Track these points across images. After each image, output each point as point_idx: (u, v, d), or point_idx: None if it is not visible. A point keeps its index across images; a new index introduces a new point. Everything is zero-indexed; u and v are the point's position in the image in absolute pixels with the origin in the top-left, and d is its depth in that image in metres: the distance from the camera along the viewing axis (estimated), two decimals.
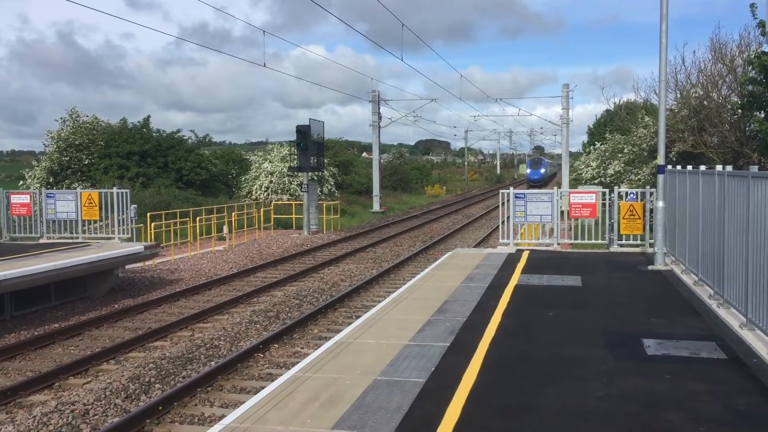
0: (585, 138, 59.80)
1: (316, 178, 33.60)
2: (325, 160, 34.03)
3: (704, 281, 10.60)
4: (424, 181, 70.54)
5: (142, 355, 10.95)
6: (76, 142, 34.57)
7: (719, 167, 9.56)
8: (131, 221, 18.23)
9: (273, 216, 30.00)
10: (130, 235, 18.19)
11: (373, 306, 11.46)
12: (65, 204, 18.35)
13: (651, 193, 15.56)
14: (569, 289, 11.15)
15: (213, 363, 10.29)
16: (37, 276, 12.91)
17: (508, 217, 16.57)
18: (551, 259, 14.46)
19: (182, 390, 8.82)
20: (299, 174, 31.51)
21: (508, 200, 16.52)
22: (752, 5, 17.47)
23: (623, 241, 15.89)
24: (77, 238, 18.19)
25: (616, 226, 15.76)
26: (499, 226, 18.03)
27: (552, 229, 17.01)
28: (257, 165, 40.14)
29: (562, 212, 16.65)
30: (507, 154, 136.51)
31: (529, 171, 76.01)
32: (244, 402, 6.35)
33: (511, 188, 16.79)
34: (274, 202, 33.55)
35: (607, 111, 43.34)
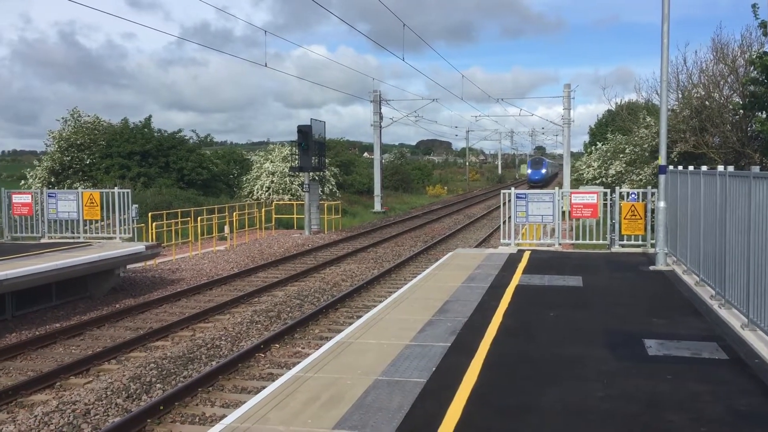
0: (586, 138, 59.76)
1: (317, 178, 33.61)
2: (327, 160, 34.03)
3: (705, 282, 10.59)
4: (426, 182, 70.56)
5: (143, 354, 10.96)
6: (78, 142, 34.60)
7: (721, 167, 9.55)
8: (132, 221, 18.24)
9: (274, 216, 30.01)
10: (131, 235, 18.20)
11: (375, 306, 11.46)
12: (67, 204, 18.36)
13: (652, 194, 15.54)
14: (570, 289, 11.14)
15: (214, 363, 10.29)
16: (38, 276, 12.92)
17: (510, 218, 16.57)
18: (552, 260, 14.45)
19: (183, 390, 8.83)
20: (300, 174, 31.53)
21: (509, 200, 16.52)
22: (754, 5, 17.48)
23: (624, 242, 15.88)
24: (78, 237, 18.21)
25: (617, 226, 15.75)
26: (500, 226, 18.03)
27: (553, 230, 17.01)
28: (258, 165, 40.17)
29: (563, 212, 16.64)
30: (508, 154, 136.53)
31: (529, 171, 75.39)
32: (245, 402, 6.34)
33: (513, 188, 16.79)
34: (275, 202, 33.56)
35: (609, 111, 43.34)
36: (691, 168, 12.08)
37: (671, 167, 14.11)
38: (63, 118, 36.38)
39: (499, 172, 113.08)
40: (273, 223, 29.72)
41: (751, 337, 7.82)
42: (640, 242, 15.82)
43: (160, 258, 20.12)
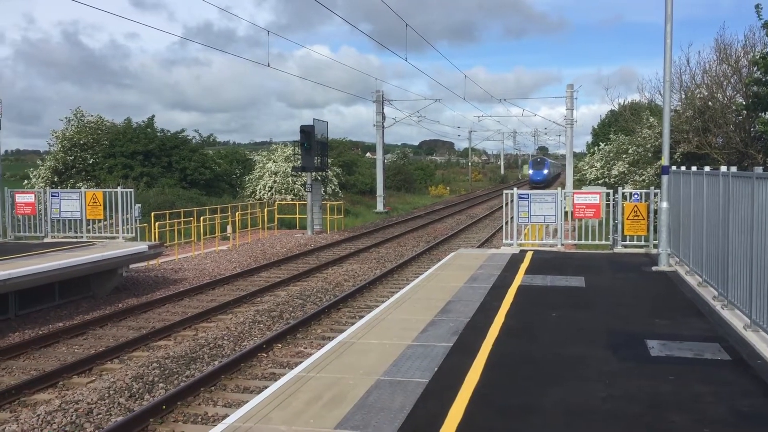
0: (589, 138, 59.80)
1: (319, 178, 33.64)
2: (329, 160, 34.03)
3: (708, 282, 10.58)
4: (428, 182, 70.51)
5: (145, 354, 10.97)
6: (81, 142, 34.65)
7: (724, 168, 9.54)
8: (135, 221, 18.28)
9: (277, 216, 30.03)
10: (134, 235, 18.23)
11: (377, 306, 11.46)
12: (70, 203, 18.39)
13: (655, 194, 15.53)
14: (573, 289, 11.14)
15: (216, 362, 10.30)
16: (41, 275, 12.95)
17: (512, 218, 16.56)
18: (555, 260, 14.44)
19: (186, 389, 8.84)
20: (303, 174, 31.54)
21: (511, 201, 16.51)
22: (757, 6, 17.45)
23: (627, 242, 15.86)
24: (81, 237, 18.24)
25: (620, 226, 15.74)
26: (502, 226, 18.03)
27: (556, 230, 17.00)
28: (261, 165, 40.18)
29: (566, 213, 16.63)
30: (511, 154, 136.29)
31: (531, 172, 74.45)
32: (247, 401, 6.35)
33: (515, 189, 16.78)
34: (277, 202, 33.57)
35: (612, 111, 43.34)
36: (694, 168, 12.07)
37: (674, 168, 14.09)
38: (66, 117, 36.47)
39: (502, 172, 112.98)
40: (275, 223, 29.74)
41: (753, 338, 7.81)
42: (642, 243, 15.80)
43: (163, 258, 20.14)
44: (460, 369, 6.85)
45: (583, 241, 16.89)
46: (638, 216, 15.46)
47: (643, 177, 24.99)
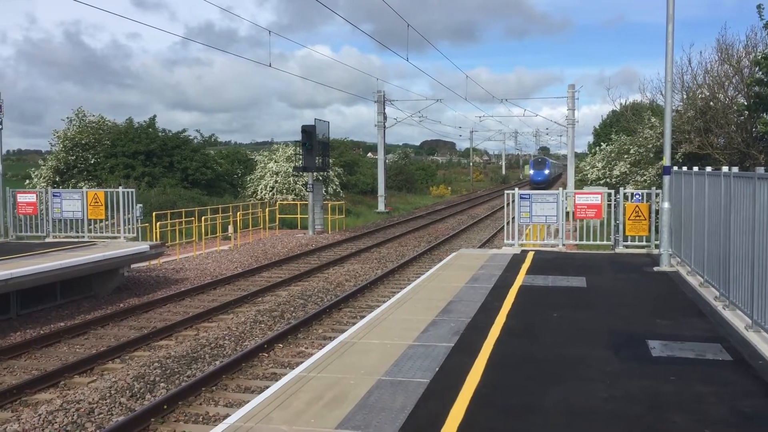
0: (591, 139, 59.72)
1: (321, 178, 33.63)
2: (331, 160, 34.03)
3: (710, 283, 10.57)
4: (429, 182, 70.52)
5: (147, 354, 10.98)
6: (83, 142, 34.68)
7: (725, 168, 9.54)
8: (137, 220, 18.29)
9: (278, 216, 30.04)
10: (135, 235, 18.24)
11: (378, 306, 11.45)
12: (71, 203, 18.41)
13: (657, 194, 15.52)
14: (574, 290, 11.14)
15: (218, 362, 10.31)
16: (43, 275, 12.96)
17: (513, 218, 16.56)
18: (556, 260, 14.44)
19: (187, 389, 8.84)
20: (304, 174, 31.53)
21: (513, 201, 16.51)
22: (759, 6, 17.45)
23: (628, 242, 15.86)
24: (83, 237, 18.26)
25: (621, 227, 15.73)
26: (504, 226, 18.03)
27: (557, 230, 16.99)
28: (262, 165, 40.19)
29: (567, 213, 16.62)
30: (512, 154, 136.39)
31: (532, 172, 73.57)
32: (248, 401, 6.36)
33: (517, 189, 16.78)
34: (279, 201, 33.58)
35: (613, 112, 43.29)
36: (695, 169, 12.06)
37: (676, 168, 14.09)
38: (68, 117, 36.47)
39: (503, 172, 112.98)
40: (277, 223, 29.75)
41: (755, 338, 7.80)
42: (644, 243, 15.79)
43: (164, 257, 20.15)
44: (461, 369, 6.85)
45: (584, 242, 16.88)
46: (640, 216, 15.45)
47: (645, 177, 24.98)
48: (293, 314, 13.61)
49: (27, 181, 34.33)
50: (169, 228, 21.92)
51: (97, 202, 18.21)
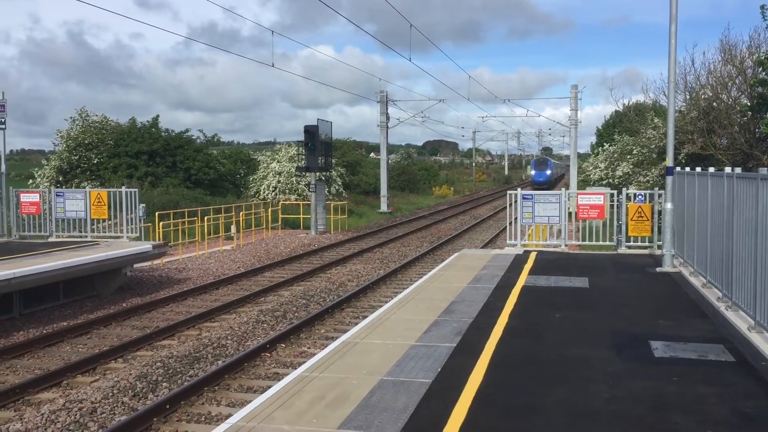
0: (593, 139, 59.65)
1: (323, 178, 33.64)
2: (333, 161, 34.05)
3: (712, 283, 10.56)
4: (432, 182, 70.53)
5: (149, 353, 10.99)
6: (86, 142, 34.73)
7: (728, 169, 9.53)
8: (140, 220, 18.31)
9: (281, 216, 30.05)
10: (138, 234, 18.27)
11: (380, 306, 11.46)
12: (74, 203, 18.43)
13: (659, 195, 15.51)
14: (576, 290, 11.13)
15: (220, 362, 10.32)
16: (46, 274, 12.98)
17: (516, 218, 16.56)
18: (559, 261, 14.43)
19: (189, 389, 8.85)
20: (307, 174, 31.55)
21: (515, 201, 16.51)
22: (762, 7, 17.44)
23: (631, 243, 15.84)
24: (86, 236, 18.28)
25: (624, 227, 15.72)
26: (506, 227, 18.02)
27: (560, 231, 16.98)
28: (265, 165, 40.24)
29: (570, 213, 16.61)
30: (515, 155, 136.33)
31: (533, 172, 72.52)
32: (250, 401, 6.37)
33: (519, 189, 16.79)
34: (281, 202, 33.61)
35: (616, 112, 43.23)
36: (698, 169, 12.04)
37: (678, 169, 14.07)
38: (71, 117, 36.52)
39: (506, 172, 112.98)
40: (279, 223, 29.76)
41: (757, 339, 7.79)
42: (646, 244, 15.77)
43: (167, 257, 20.18)
44: (463, 369, 6.85)
45: (587, 242, 16.88)
46: (642, 217, 15.44)
47: (648, 178, 24.96)
48: (295, 314, 13.61)
49: (30, 181, 34.38)
50: (171, 228, 21.94)
51: (100, 202, 18.24)
